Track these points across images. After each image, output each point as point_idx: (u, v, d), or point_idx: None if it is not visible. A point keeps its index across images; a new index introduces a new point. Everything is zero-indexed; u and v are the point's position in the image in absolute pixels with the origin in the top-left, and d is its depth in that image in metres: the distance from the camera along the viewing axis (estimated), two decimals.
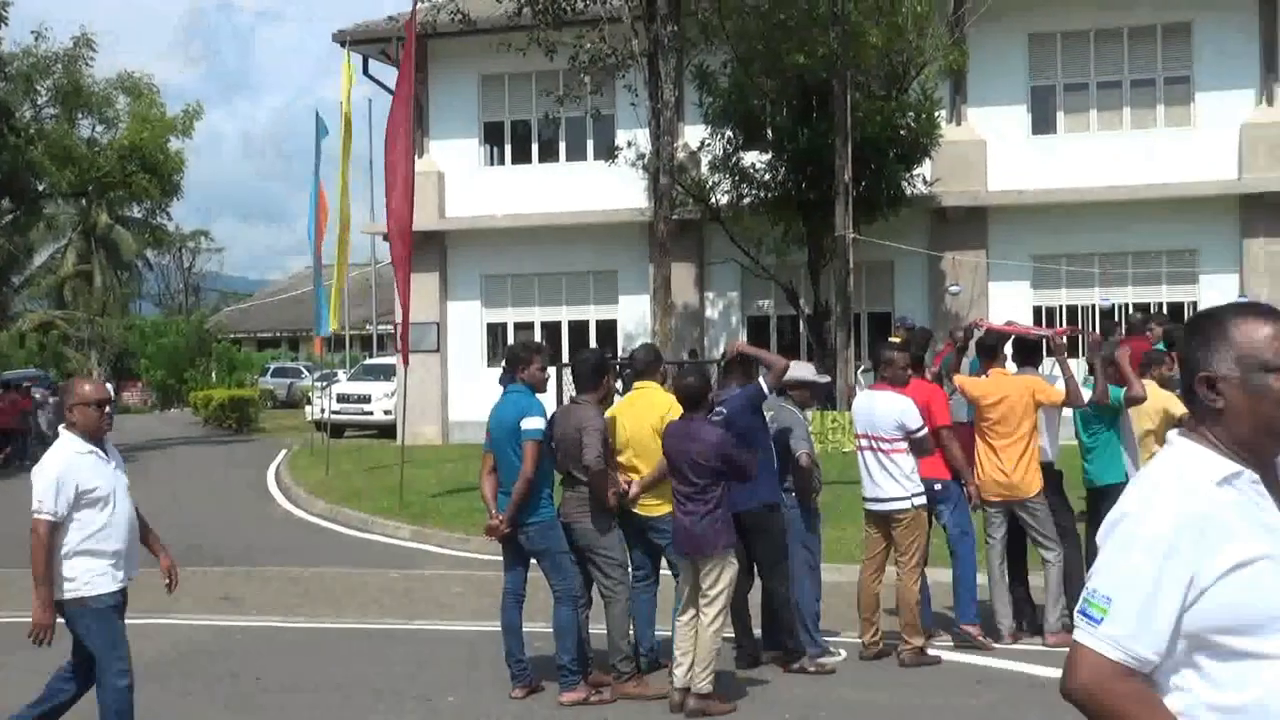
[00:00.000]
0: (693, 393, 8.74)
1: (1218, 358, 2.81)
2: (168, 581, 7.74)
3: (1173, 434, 2.91)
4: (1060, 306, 27.49)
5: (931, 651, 9.81)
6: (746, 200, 26.19)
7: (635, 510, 9.17)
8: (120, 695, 7.24)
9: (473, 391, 28.25)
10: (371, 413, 33.32)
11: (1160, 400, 10.37)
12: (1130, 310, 23.71)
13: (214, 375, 50.66)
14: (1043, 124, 28.05)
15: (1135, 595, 2.69)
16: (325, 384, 31.33)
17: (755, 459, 8.78)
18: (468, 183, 30.70)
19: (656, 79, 23.20)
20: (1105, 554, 2.79)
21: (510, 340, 29.07)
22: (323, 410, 29.08)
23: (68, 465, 7.16)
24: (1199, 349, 2.85)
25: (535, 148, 31.15)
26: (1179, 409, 10.96)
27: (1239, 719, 2.69)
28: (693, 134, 27.75)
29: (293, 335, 63.23)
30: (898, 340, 11.08)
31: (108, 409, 7.58)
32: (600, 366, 9.32)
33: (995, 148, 27.61)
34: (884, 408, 9.68)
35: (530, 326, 30.64)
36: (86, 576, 7.15)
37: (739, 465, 8.51)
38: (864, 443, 9.78)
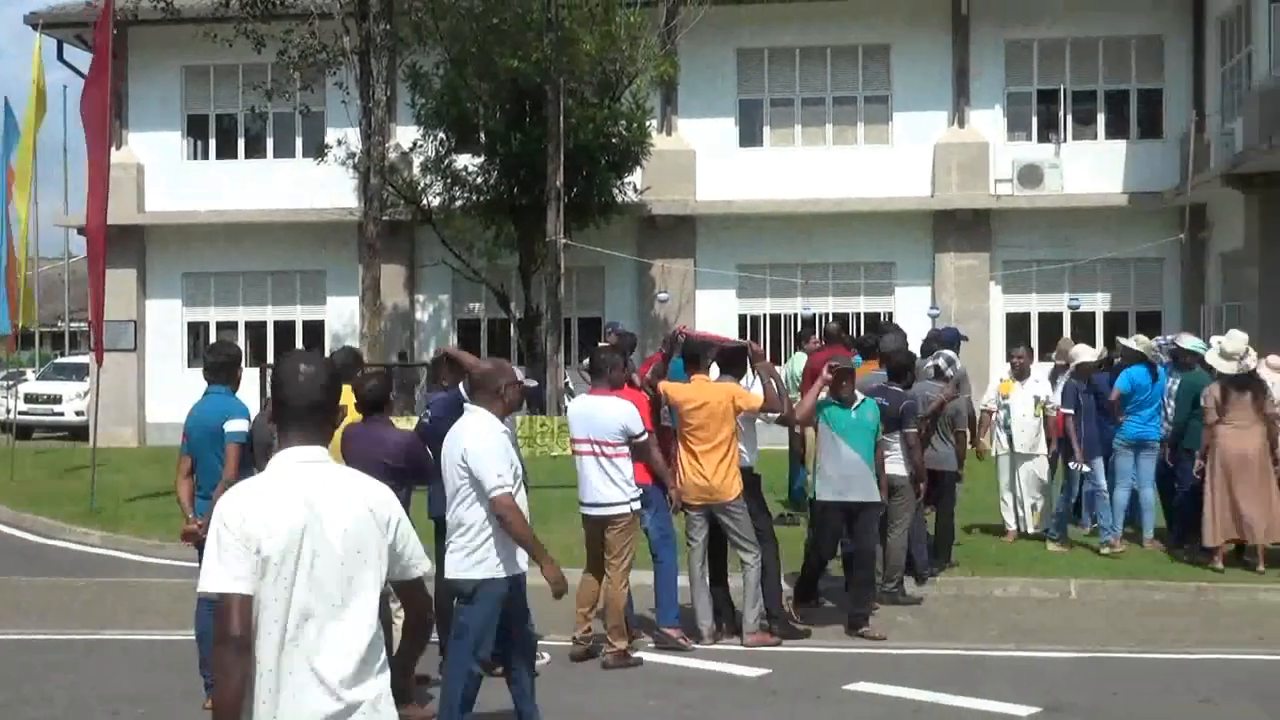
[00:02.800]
0: (374, 395, 8.65)
1: None
2: None
3: None
4: (764, 315, 28.26)
5: (634, 654, 9.92)
6: (458, 203, 26.09)
7: None
8: (473, 682, 7.43)
9: (172, 392, 27.27)
10: (62, 414, 31.91)
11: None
12: (829, 319, 24.47)
13: None
14: (750, 137, 28.80)
15: None
16: (11, 383, 29.89)
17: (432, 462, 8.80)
18: (169, 176, 29.68)
19: (368, 77, 22.89)
20: None
21: (213, 339, 28.23)
22: (8, 411, 27.77)
23: (502, 441, 7.31)
24: None
25: (241, 142, 30.36)
26: None
27: None
28: (405, 134, 27.48)
29: None
30: (609, 345, 11.16)
31: None
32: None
33: (704, 158, 28.22)
34: (607, 412, 9.71)
35: (234, 326, 29.84)
36: (503, 555, 7.28)
37: (424, 467, 8.52)
38: (584, 447, 9.72)
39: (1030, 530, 14.58)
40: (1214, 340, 13.99)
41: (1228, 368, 12.95)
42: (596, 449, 9.66)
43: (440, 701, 7.53)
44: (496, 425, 7.39)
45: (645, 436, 9.73)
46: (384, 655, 4.05)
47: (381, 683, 4.01)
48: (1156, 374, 14.25)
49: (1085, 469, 13.80)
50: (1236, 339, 13.18)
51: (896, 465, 11.67)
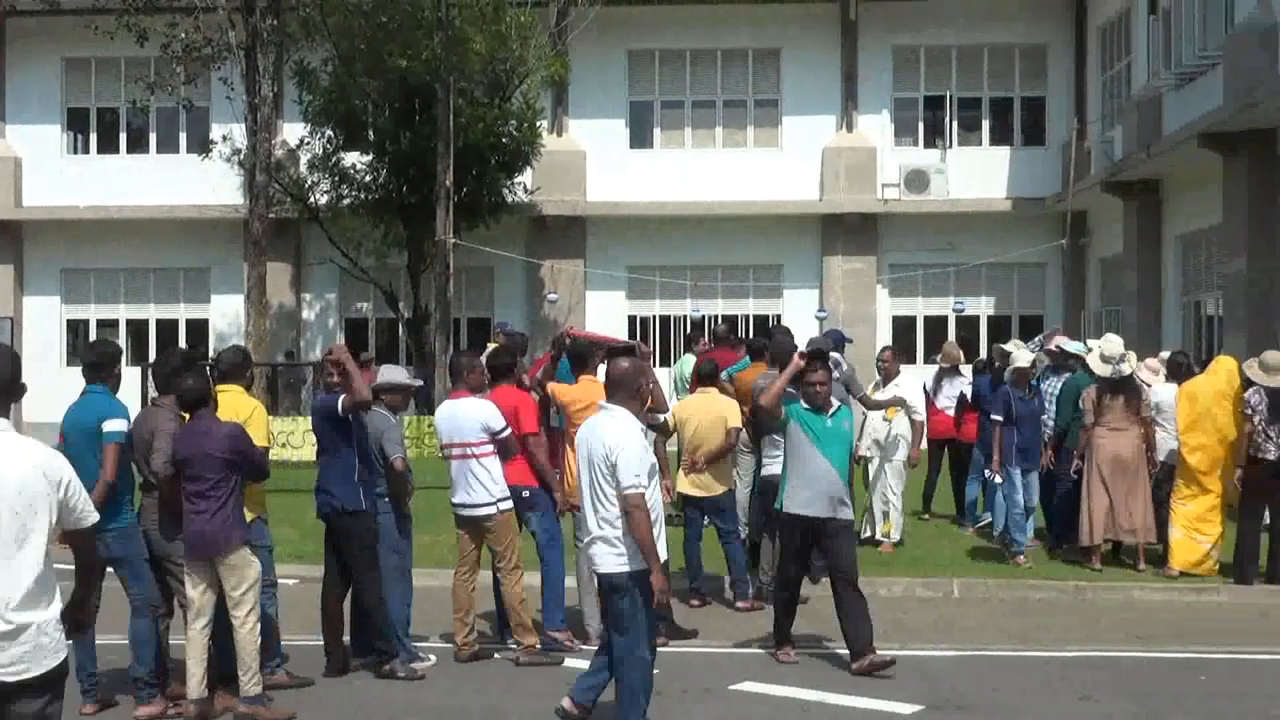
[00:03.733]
0: (194, 395, 8.50)
1: None
2: None
3: None
4: (654, 316, 28.34)
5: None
6: (346, 201, 25.84)
7: None
8: (648, 669, 7.53)
9: (50, 391, 26.45)
10: None
11: (721, 409, 11.49)
12: (719, 321, 24.59)
13: None
14: (640, 139, 28.86)
15: None
16: None
17: (266, 457, 8.76)
18: (48, 171, 29.08)
19: (254, 73, 22.62)
20: None
21: (93, 337, 27.69)
22: None
23: (643, 440, 7.50)
24: None
25: (123, 137, 29.81)
26: (735, 420, 11.45)
27: None
28: (292, 131, 27.18)
29: None
30: (500, 345, 11.13)
31: None
32: (180, 367, 8.96)
33: (594, 159, 28.22)
34: (467, 412, 9.80)
35: (115, 324, 29.31)
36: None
37: (253, 459, 8.47)
38: (452, 451, 9.87)
39: (878, 536, 14.25)
40: (1092, 343, 14.23)
41: (1104, 370, 13.19)
42: (461, 450, 9.79)
43: (621, 697, 7.53)
44: (637, 424, 7.56)
45: (507, 433, 9.80)
46: (55, 590, 4.94)
47: (51, 611, 4.91)
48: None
49: (999, 479, 13.51)
50: (1114, 343, 13.43)
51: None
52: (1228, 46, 19.58)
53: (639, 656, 7.48)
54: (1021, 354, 13.78)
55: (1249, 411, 12.52)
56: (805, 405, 9.83)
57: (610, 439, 7.39)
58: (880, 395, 14.22)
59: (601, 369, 10.74)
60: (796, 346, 13.16)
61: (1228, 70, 19.32)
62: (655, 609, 7.48)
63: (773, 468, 11.65)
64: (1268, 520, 12.96)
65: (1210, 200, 20.56)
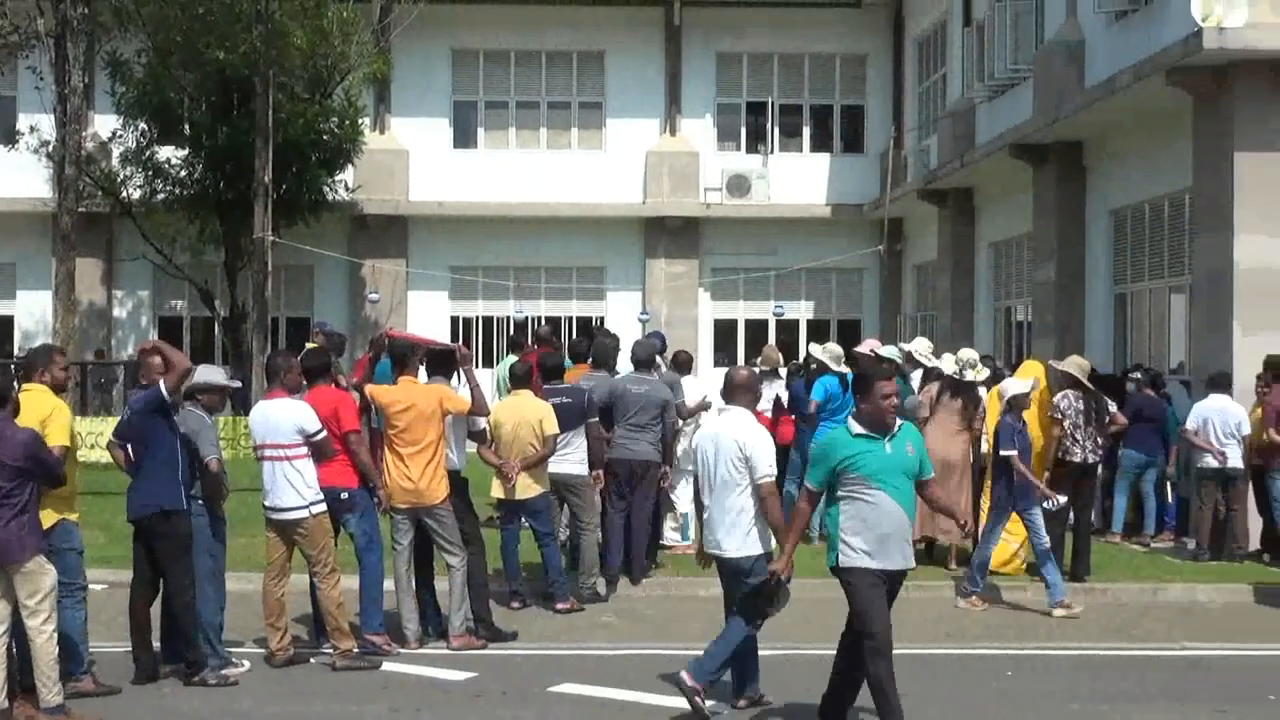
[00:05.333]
0: None
1: None
2: None
3: None
4: (477, 317, 28.22)
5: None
6: (161, 196, 25.31)
7: None
8: (752, 636, 8.57)
9: None
10: None
11: (532, 411, 11.41)
12: (542, 322, 24.51)
13: None
14: (464, 138, 28.74)
15: None
16: None
17: (61, 461, 8.37)
18: None
19: (64, 62, 21.94)
20: None
21: None
22: None
23: (769, 435, 8.62)
24: None
25: None
26: (551, 425, 11.33)
27: None
28: (104, 123, 26.47)
29: None
30: (317, 345, 10.98)
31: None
32: None
33: (417, 158, 28.00)
34: (280, 414, 9.67)
35: None
36: (766, 532, 8.43)
37: (48, 466, 8.13)
38: (265, 452, 9.75)
39: (666, 539, 13.90)
40: (905, 346, 14.53)
41: (951, 368, 13.49)
42: (275, 452, 9.69)
43: (713, 656, 8.43)
44: (758, 422, 8.57)
45: (322, 435, 9.72)
46: None
47: None
48: (846, 383, 14.71)
49: (1061, 499, 12.32)
50: (924, 343, 13.76)
51: (575, 465, 11.80)
52: (1037, 60, 20.20)
53: (747, 631, 8.47)
54: (1015, 382, 12.55)
55: (1058, 415, 12.90)
56: (861, 430, 7.81)
57: (742, 436, 8.32)
58: (686, 398, 13.65)
59: (421, 370, 10.69)
60: (619, 349, 13.23)
61: (1038, 83, 19.92)
62: (761, 589, 8.29)
63: (561, 466, 11.68)
64: (1072, 520, 13.37)
65: (1021, 209, 21.17)
